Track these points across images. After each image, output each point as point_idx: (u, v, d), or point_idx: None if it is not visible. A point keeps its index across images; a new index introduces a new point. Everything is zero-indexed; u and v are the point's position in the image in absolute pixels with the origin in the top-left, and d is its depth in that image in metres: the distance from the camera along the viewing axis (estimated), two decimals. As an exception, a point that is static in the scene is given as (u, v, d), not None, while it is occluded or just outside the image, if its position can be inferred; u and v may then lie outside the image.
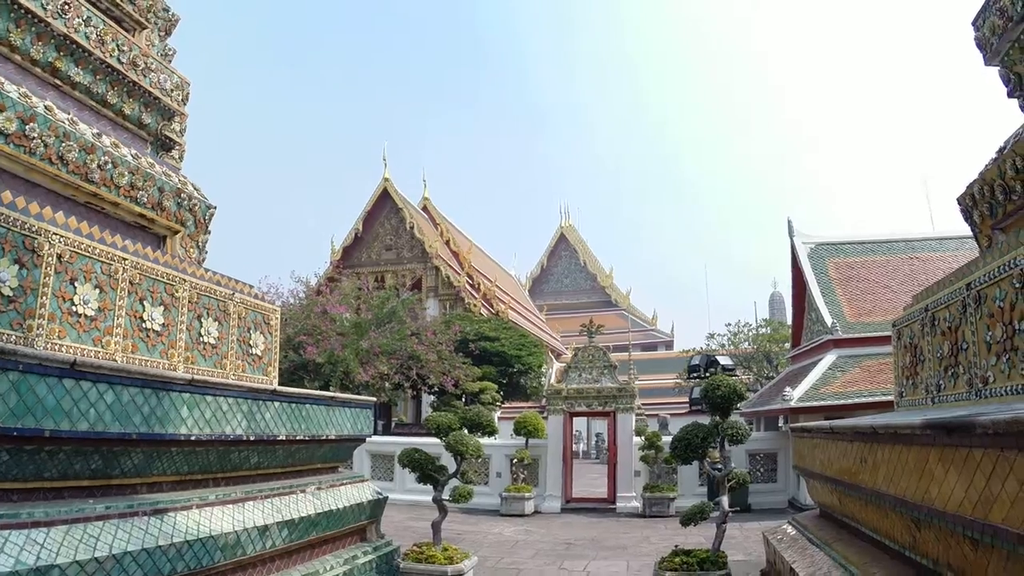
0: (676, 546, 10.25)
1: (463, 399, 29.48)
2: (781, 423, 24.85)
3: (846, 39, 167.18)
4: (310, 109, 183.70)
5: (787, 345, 34.01)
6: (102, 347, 5.58)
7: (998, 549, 3.33)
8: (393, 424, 33.88)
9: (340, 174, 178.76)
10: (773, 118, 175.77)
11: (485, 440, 14.84)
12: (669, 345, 70.75)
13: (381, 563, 8.28)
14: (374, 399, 9.89)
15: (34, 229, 5.01)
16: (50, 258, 5.13)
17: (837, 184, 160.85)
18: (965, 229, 7.31)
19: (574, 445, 24.85)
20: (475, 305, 39.53)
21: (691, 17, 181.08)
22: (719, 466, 10.77)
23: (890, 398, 8.74)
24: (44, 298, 5.05)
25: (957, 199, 6.87)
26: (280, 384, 7.86)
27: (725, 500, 9.87)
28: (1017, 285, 4.53)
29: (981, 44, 6.64)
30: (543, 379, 36.31)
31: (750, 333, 44.12)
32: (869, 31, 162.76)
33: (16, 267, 4.83)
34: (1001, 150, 5.99)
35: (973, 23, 6.74)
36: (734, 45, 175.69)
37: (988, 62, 6.67)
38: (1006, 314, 4.71)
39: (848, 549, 6.17)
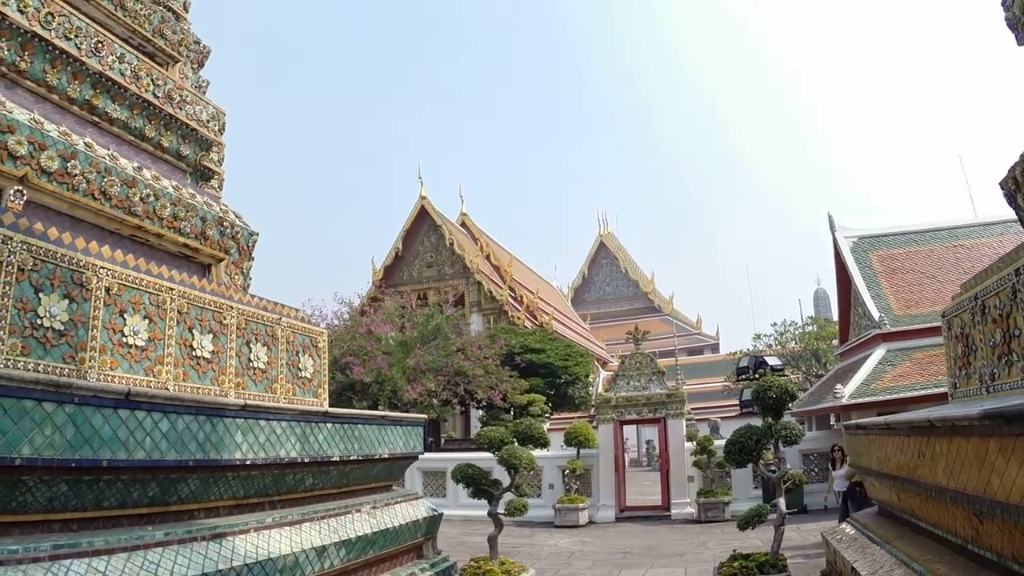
0: (734, 551, 10.16)
1: (512, 412, 29.48)
2: (833, 421, 24.51)
3: (876, 23, 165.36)
4: (346, 129, 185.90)
5: (835, 342, 33.51)
6: (154, 376, 5.67)
7: (1065, 538, 3.26)
8: (443, 440, 33.96)
9: (378, 193, 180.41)
10: (807, 109, 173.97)
11: (536, 452, 14.83)
12: (715, 348, 70.18)
13: (439, 579, 8.28)
14: (424, 416, 9.93)
15: (81, 264, 5.12)
16: (99, 291, 5.23)
17: (874, 172, 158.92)
18: (1008, 212, 7.15)
19: (625, 453, 24.68)
20: (519, 318, 39.55)
21: (728, 14, 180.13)
22: (773, 468, 10.67)
23: (943, 390, 8.60)
24: (95, 331, 5.15)
25: (1000, 183, 6.72)
26: (329, 405, 7.91)
27: (782, 502, 9.77)
28: (1069, 267, 4.43)
29: (1012, 24, 6.50)
30: (591, 388, 36.19)
31: (796, 332, 43.54)
32: (897, 11, 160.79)
33: (66, 301, 4.94)
34: (1043, 130, 5.85)
35: (1002, 2, 6.61)
36: (768, 40, 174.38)
37: (1021, 42, 6.52)
38: (1060, 297, 4.62)
39: (909, 546, 6.07)
